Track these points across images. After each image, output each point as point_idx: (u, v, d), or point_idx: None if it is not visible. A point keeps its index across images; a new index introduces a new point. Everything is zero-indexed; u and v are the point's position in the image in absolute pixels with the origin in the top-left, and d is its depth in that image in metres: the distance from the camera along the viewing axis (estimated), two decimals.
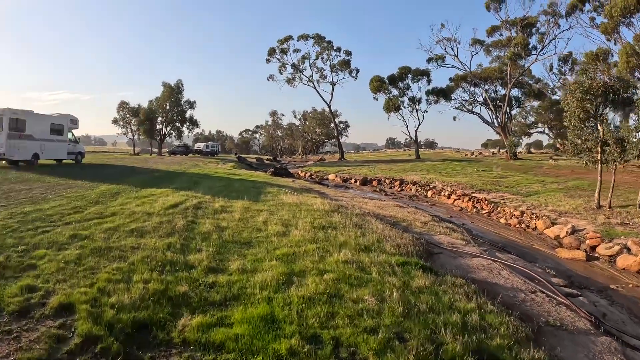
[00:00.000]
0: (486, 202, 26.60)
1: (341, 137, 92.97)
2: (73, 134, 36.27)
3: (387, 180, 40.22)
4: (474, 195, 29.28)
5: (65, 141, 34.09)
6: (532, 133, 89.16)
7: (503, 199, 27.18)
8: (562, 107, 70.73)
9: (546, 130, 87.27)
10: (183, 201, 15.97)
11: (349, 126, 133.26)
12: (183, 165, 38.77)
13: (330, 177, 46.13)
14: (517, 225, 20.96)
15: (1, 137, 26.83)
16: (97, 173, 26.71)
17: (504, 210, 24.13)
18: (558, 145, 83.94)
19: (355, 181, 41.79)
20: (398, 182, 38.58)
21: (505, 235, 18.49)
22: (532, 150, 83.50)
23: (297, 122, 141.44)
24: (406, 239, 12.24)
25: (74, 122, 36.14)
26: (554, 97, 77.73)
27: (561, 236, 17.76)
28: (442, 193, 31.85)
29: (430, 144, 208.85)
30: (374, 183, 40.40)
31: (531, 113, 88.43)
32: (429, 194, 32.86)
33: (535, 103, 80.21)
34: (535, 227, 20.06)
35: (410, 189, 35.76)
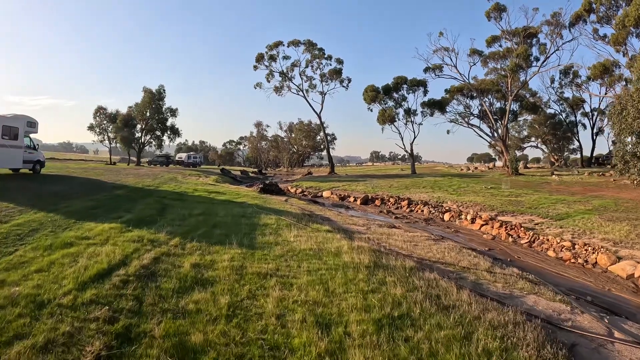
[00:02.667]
0: (522, 229, 20.61)
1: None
2: (31, 139, 29.64)
3: (391, 200, 33.74)
4: (499, 218, 23.44)
5: (20, 147, 27.30)
6: (525, 147, 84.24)
7: (535, 224, 21.73)
8: (558, 120, 65.39)
9: (539, 145, 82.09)
10: (127, 257, 9.07)
11: (336, 138, 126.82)
12: (157, 179, 31.81)
13: (325, 194, 39.39)
14: (573, 261, 16.03)
15: None
16: (41, 190, 19.69)
17: (547, 240, 18.65)
18: (552, 160, 79.34)
19: (355, 200, 35.17)
20: (406, 201, 32.10)
21: (568, 276, 14.04)
22: (528, 165, 77.68)
23: (283, 134, 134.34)
24: (533, 333, 6.76)
25: (32, 125, 29.22)
26: (548, 111, 72.90)
27: (636, 275, 13.71)
28: (463, 216, 25.56)
29: (415, 158, 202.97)
30: (377, 202, 33.85)
31: (524, 127, 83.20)
32: (446, 217, 26.49)
33: (530, 117, 74.82)
34: (596, 262, 15.56)
35: (422, 210, 29.40)
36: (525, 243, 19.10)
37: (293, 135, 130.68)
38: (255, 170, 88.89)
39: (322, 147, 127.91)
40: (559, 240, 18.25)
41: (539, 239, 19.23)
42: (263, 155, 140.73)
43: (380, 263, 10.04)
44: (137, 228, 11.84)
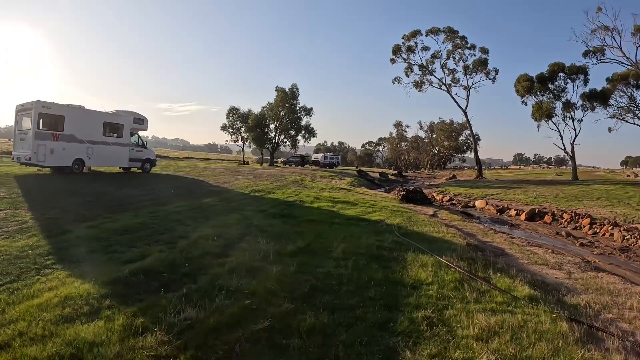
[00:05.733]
0: None
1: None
2: (139, 137, 26.71)
3: (564, 216, 24.24)
4: None
5: (125, 145, 24.79)
6: None
7: None
8: None
9: None
10: None
11: (480, 139, 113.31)
12: (278, 182, 25.95)
13: (478, 204, 30.71)
14: None
15: (28, 137, 20.15)
16: (110, 194, 15.26)
17: None
18: None
19: (518, 214, 26.20)
20: (586, 220, 22.47)
21: None
22: None
23: (423, 134, 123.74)
24: None
25: (139, 121, 26.37)
26: None
27: None
28: None
29: (561, 162, 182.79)
30: (547, 219, 24.53)
31: None
32: None
33: None
34: None
35: (610, 234, 19.85)
36: None
37: (434, 136, 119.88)
38: (395, 172, 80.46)
39: (464, 148, 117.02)
40: None
41: None
42: (403, 156, 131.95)
43: None
44: (122, 304, 5.02)
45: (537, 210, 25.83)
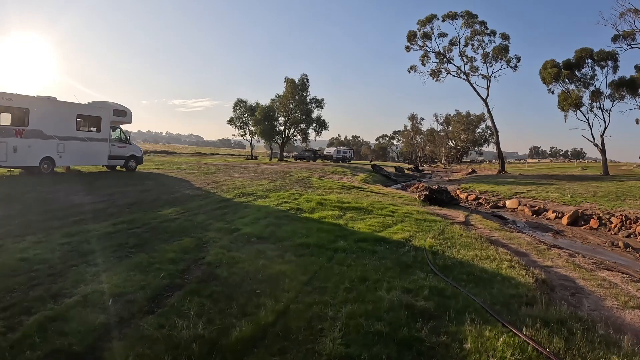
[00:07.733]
0: None
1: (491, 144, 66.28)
2: (122, 131, 23.22)
3: (613, 220, 20.00)
4: None
5: (104, 140, 21.60)
6: None
7: None
8: None
9: None
10: None
11: (498, 131, 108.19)
12: (280, 180, 22.05)
13: (509, 203, 26.29)
14: None
15: None
16: (61, 197, 12.02)
17: None
18: None
19: (557, 216, 22.07)
20: None
21: None
22: None
23: (439, 127, 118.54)
24: None
25: (120, 113, 22.96)
26: None
27: None
28: None
29: (578, 154, 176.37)
30: (593, 223, 20.32)
31: None
32: None
33: None
34: None
35: None
36: None
37: (450, 129, 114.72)
38: (411, 166, 76.21)
39: (482, 140, 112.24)
40: None
41: None
42: (418, 150, 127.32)
43: None
44: None
45: (580, 212, 21.62)
